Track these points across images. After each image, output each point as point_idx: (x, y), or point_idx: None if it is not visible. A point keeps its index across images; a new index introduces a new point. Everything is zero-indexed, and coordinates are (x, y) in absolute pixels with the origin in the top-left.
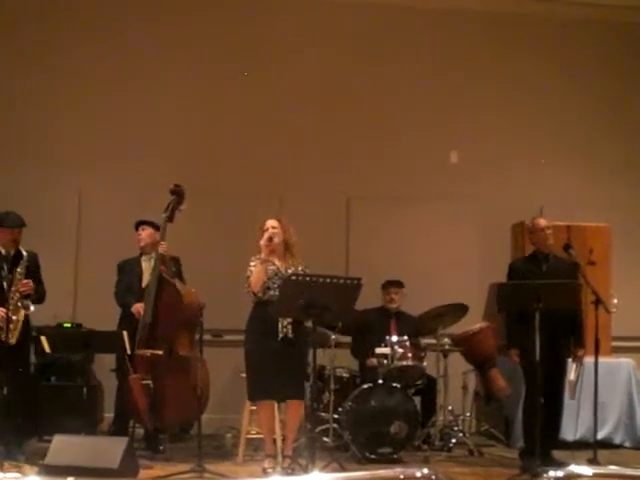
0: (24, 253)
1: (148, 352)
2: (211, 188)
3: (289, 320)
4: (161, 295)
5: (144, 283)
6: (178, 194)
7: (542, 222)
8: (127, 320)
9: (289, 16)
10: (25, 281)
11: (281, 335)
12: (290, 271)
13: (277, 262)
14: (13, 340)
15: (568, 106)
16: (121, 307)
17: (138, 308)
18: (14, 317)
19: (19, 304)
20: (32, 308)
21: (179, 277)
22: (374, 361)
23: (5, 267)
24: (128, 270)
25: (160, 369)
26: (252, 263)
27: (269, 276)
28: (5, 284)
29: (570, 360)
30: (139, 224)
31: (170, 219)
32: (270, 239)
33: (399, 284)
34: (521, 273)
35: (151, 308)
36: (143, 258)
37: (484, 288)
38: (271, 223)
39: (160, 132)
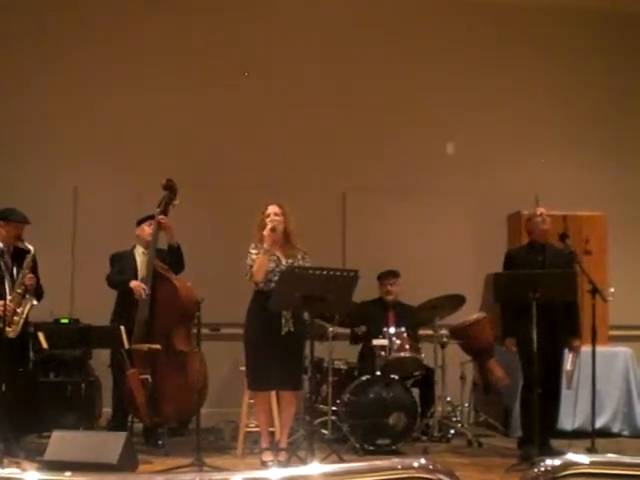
0: (31, 248)
1: (145, 347)
2: (207, 181)
3: (290, 315)
4: (157, 290)
5: (139, 277)
6: (171, 189)
7: (539, 209)
8: (120, 313)
9: (288, 7)
10: (30, 275)
11: (285, 329)
12: (290, 262)
13: (278, 253)
14: (13, 334)
15: (563, 96)
16: (118, 285)
17: (138, 285)
18: (19, 309)
19: (26, 296)
20: (35, 302)
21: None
22: (363, 328)
23: (7, 262)
24: (122, 262)
25: (158, 364)
26: (253, 251)
27: (270, 268)
28: (6, 278)
29: (567, 350)
30: (148, 219)
31: (163, 214)
32: (273, 229)
33: (394, 274)
34: (518, 262)
35: (147, 303)
36: (137, 252)
37: (480, 279)
38: (273, 209)
39: (156, 128)
